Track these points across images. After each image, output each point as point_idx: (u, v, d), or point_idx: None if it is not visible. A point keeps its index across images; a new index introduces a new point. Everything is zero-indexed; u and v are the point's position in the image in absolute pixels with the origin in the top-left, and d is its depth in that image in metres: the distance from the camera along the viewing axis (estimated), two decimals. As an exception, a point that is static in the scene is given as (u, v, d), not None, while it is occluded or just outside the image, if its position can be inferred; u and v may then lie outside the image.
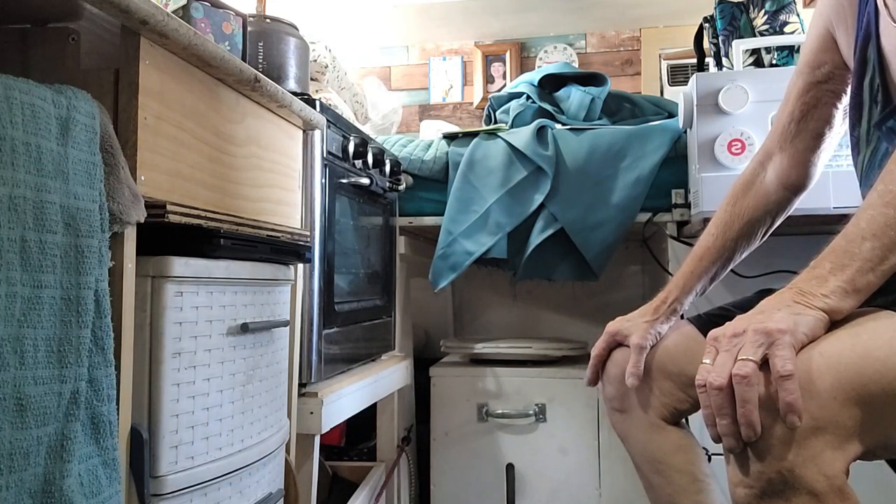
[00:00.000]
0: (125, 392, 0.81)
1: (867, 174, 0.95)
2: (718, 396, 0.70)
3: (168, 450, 0.87)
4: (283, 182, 1.23)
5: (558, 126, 1.93)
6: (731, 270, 1.11)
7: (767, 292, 1.03)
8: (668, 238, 1.78)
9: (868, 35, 0.89)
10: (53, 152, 0.70)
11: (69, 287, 0.71)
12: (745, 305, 1.02)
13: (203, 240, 0.94)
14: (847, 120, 1.01)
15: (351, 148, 1.51)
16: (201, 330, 0.93)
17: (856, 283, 0.74)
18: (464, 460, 1.97)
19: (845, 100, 1.02)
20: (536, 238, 1.83)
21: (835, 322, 0.74)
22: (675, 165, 1.80)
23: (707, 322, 1.02)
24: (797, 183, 1.08)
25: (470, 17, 2.63)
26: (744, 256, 1.10)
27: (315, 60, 1.97)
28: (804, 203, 1.11)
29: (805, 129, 1.06)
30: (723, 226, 1.08)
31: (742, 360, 0.70)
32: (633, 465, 1.08)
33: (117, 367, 0.78)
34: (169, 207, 0.86)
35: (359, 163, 1.56)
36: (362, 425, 1.98)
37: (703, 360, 0.75)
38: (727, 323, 0.76)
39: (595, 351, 1.08)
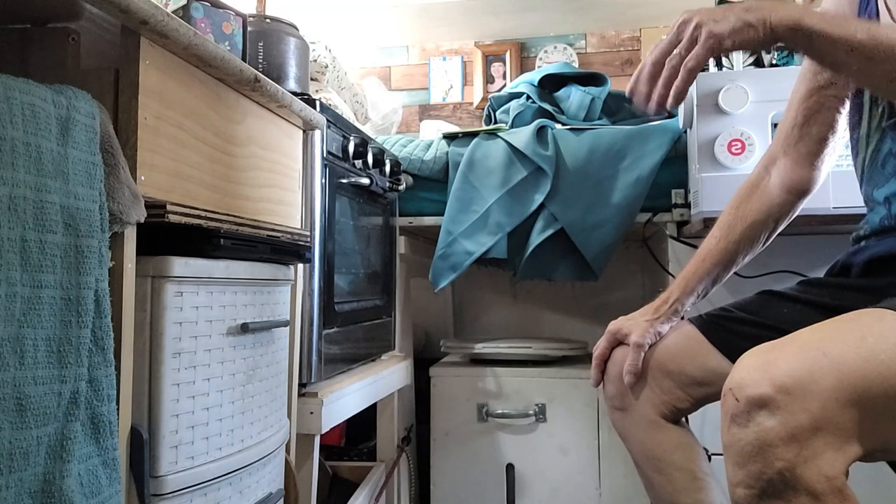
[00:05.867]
0: (125, 392, 0.81)
1: (869, 174, 0.95)
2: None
3: (168, 450, 0.87)
4: (283, 182, 1.22)
5: (558, 126, 1.93)
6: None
7: (768, 293, 1.04)
8: (668, 238, 1.78)
9: None
10: (53, 152, 0.70)
11: (69, 287, 0.71)
12: (746, 306, 1.03)
13: (203, 240, 0.94)
14: None
15: (351, 148, 1.51)
16: (201, 330, 0.93)
17: (813, 26, 0.77)
18: (464, 460, 1.96)
19: (849, 104, 1.02)
20: (536, 238, 1.83)
21: (838, 320, 0.74)
22: (675, 165, 1.80)
23: (707, 322, 1.02)
24: (801, 187, 1.08)
25: (470, 17, 2.63)
26: (747, 260, 1.10)
27: (315, 60, 1.97)
28: (804, 203, 1.11)
29: (808, 134, 1.06)
30: (726, 228, 1.08)
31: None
32: (633, 465, 1.08)
33: (117, 367, 0.78)
34: (169, 207, 0.86)
35: (359, 163, 1.56)
36: (362, 425, 1.98)
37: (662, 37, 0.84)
38: (698, 9, 0.82)
39: (597, 350, 1.08)
